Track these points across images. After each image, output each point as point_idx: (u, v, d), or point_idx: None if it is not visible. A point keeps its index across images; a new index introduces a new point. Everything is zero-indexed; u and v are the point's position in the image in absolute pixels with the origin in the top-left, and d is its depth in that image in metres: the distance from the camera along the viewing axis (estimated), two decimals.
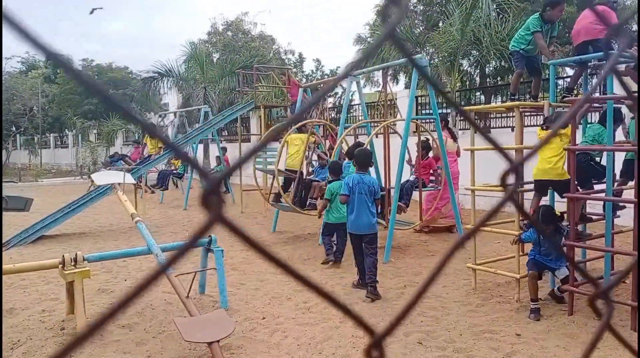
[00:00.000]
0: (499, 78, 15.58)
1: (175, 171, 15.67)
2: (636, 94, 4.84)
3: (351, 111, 17.61)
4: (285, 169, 9.52)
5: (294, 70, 24.24)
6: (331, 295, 0.60)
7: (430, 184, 9.19)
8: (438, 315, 5.22)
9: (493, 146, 0.79)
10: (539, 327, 4.85)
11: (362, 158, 6.22)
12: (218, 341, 4.09)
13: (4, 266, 4.52)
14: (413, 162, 8.94)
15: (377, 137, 9.48)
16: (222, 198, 0.48)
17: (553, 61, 6.01)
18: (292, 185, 9.51)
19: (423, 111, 14.55)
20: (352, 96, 14.70)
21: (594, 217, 6.24)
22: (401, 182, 8.62)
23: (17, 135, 38.58)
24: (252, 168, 10.31)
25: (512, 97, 7.07)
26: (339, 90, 24.99)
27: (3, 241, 9.25)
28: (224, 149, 16.08)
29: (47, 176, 28.83)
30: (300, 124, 9.50)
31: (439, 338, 4.64)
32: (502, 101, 14.66)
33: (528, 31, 6.47)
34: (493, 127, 14.69)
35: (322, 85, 11.95)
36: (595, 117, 9.07)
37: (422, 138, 8.80)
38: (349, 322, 4.93)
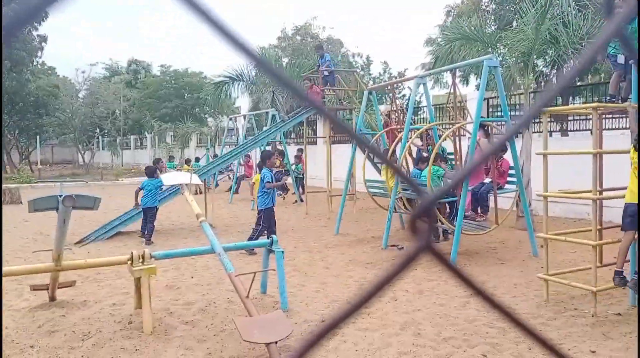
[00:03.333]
0: (577, 79, 14.75)
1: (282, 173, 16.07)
2: None
3: (419, 113, 17.29)
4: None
5: (362, 72, 24.16)
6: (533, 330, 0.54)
7: (507, 187, 8.76)
8: (505, 327, 4.97)
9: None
10: (616, 344, 4.49)
11: (263, 156, 8.96)
12: (276, 342, 4.10)
13: (78, 261, 4.77)
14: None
15: (451, 139, 9.22)
16: (434, 222, 0.41)
17: None
18: None
19: (496, 113, 14.04)
20: (420, 98, 14.44)
21: None
22: (475, 186, 8.35)
23: (101, 137, 41.01)
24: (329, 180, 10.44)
25: (612, 99, 6.62)
26: (406, 92, 24.64)
27: (82, 237, 9.83)
28: (300, 151, 16.27)
29: (127, 175, 30.40)
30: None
31: (505, 351, 4.41)
32: (583, 103, 13.85)
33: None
34: (571, 130, 13.93)
35: (388, 87, 11.81)
36: None
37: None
38: (410, 329, 4.82)
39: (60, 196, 4.06)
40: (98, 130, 38.67)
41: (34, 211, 4.54)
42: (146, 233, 9.69)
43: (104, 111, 35.88)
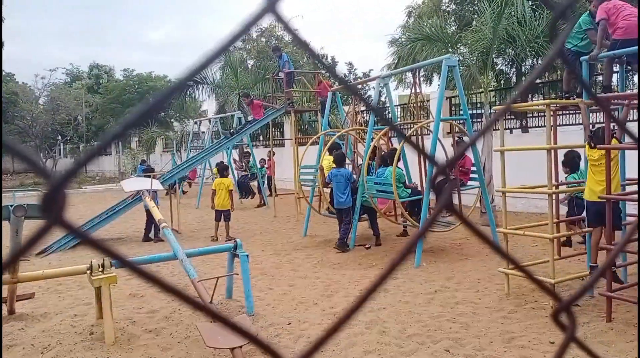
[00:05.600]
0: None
1: (248, 176, 15.94)
2: None
3: (385, 113, 17.43)
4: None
5: (326, 74, 24.22)
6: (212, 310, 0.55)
7: (470, 183, 8.90)
8: (468, 322, 5.06)
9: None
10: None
11: (339, 158, 8.90)
12: (240, 347, 4.08)
13: (34, 273, 4.65)
14: None
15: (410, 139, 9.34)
16: (65, 198, 0.43)
17: (603, 54, 5.73)
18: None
19: (459, 112, 14.28)
20: (384, 98, 14.57)
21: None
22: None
23: (63, 144, 39.99)
24: (297, 182, 10.69)
25: (566, 96, 6.80)
26: (372, 93, 24.82)
27: (44, 246, 9.57)
28: (272, 153, 16.15)
29: (91, 183, 29.75)
30: (338, 134, 9.46)
31: (467, 345, 4.49)
32: (541, 100, 14.19)
33: (580, 29, 6.31)
34: (531, 127, 14.27)
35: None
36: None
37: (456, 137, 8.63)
38: (375, 327, 4.85)
39: (11, 206, 3.95)
40: (60, 137, 37.74)
41: None
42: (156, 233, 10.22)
43: (65, 117, 35.00)
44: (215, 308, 4.49)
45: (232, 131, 14.50)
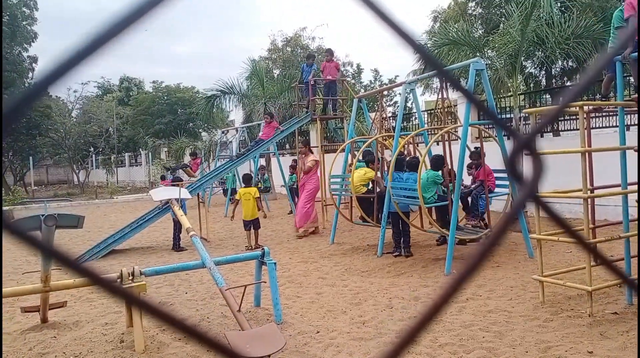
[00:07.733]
0: (566, 79, 14.81)
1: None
2: None
3: (411, 119, 17.31)
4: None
5: (352, 81, 24.19)
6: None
7: (498, 190, 8.73)
8: (502, 331, 4.92)
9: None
10: (614, 343, 4.45)
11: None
12: (269, 356, 4.05)
13: (66, 281, 4.72)
14: None
15: (437, 144, 9.23)
16: None
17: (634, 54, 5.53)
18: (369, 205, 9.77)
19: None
20: (411, 104, 14.46)
21: None
22: (462, 189, 8.30)
23: (95, 155, 40.92)
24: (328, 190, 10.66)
25: (603, 99, 6.60)
26: (398, 99, 24.71)
27: (77, 256, 9.75)
28: (296, 161, 16.20)
29: (122, 193, 30.29)
30: (367, 143, 9.39)
31: (502, 355, 4.36)
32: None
33: (614, 28, 6.05)
34: (563, 130, 13.95)
35: (378, 94, 11.82)
36: None
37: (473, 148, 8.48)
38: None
39: (42, 215, 4.02)
40: (92, 149, 38.64)
41: None
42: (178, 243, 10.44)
43: (97, 129, 35.83)
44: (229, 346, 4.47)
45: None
